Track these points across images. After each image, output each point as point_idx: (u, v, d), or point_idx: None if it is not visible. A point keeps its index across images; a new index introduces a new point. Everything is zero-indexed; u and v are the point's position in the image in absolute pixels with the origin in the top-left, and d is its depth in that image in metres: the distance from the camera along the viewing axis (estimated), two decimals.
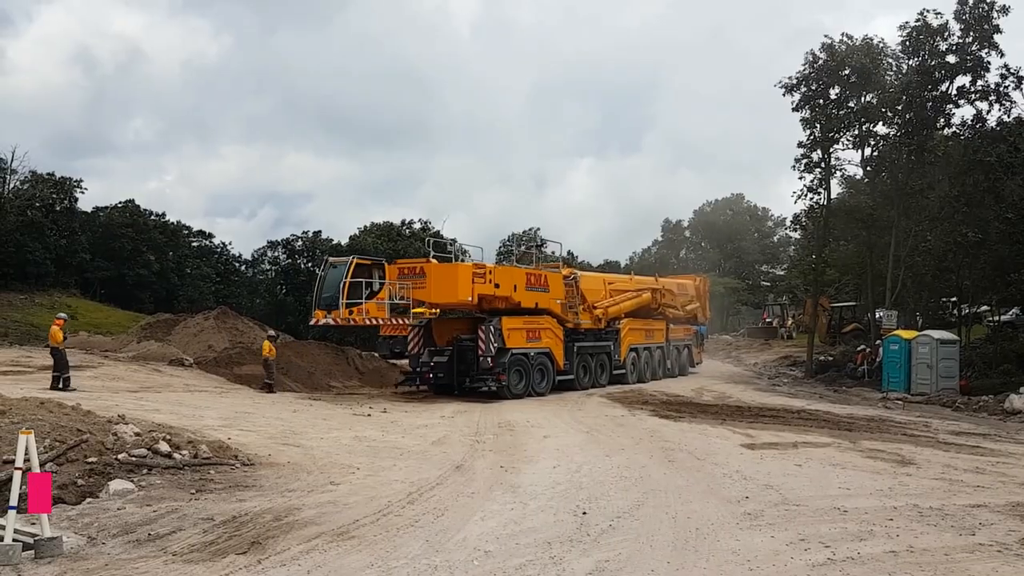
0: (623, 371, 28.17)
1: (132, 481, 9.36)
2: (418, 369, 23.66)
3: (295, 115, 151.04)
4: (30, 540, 6.92)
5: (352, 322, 21.92)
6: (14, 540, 6.77)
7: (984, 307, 37.28)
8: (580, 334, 25.90)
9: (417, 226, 47.77)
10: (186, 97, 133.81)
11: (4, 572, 6.45)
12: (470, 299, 21.78)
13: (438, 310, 22.48)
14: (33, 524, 7.31)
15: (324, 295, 21.84)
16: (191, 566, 6.71)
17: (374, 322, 22.26)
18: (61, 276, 46.98)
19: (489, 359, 21.82)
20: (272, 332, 23.74)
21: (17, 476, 7.05)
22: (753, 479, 11.13)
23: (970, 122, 30.06)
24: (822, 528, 8.43)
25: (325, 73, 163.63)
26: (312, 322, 22.99)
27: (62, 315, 21.31)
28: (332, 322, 21.96)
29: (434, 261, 23.12)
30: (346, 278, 21.19)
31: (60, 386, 18.44)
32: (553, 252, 34.31)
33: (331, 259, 23.36)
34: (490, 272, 22.49)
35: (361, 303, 21.23)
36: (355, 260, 21.93)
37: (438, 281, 22.19)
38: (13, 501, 6.82)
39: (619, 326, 28.18)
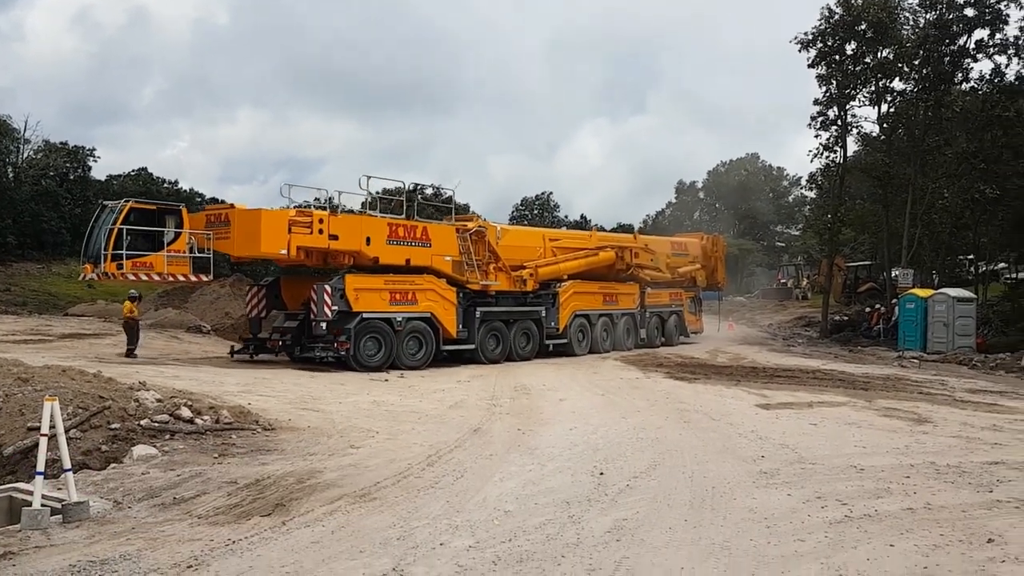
0: (564, 340, 24.79)
1: (155, 446, 9.49)
2: (258, 335, 20.98)
3: (307, 79, 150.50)
4: (58, 505, 7.05)
5: (113, 277, 18.82)
6: (42, 505, 6.90)
7: (1001, 264, 37.12)
8: (489, 297, 22.63)
9: (429, 191, 47.67)
10: (197, 62, 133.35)
11: (34, 536, 6.58)
12: (284, 252, 18.71)
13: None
14: (60, 489, 7.46)
15: (94, 246, 18.51)
16: (217, 528, 6.82)
17: (166, 278, 19.45)
18: (77, 245, 47.18)
19: (324, 324, 18.83)
20: (134, 292, 21.05)
21: (43, 443, 7.16)
22: (769, 438, 11.17)
23: (988, 76, 29.73)
24: (839, 486, 8.47)
25: (335, 34, 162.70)
26: (81, 278, 19.87)
27: None
28: (96, 278, 19.00)
29: (241, 206, 19.79)
30: (113, 225, 17.99)
31: None
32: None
33: (106, 203, 19.83)
34: (320, 221, 19.05)
35: (144, 255, 18.40)
36: (129, 204, 18.72)
37: (242, 230, 18.94)
38: (40, 467, 6.93)
39: (557, 289, 24.61)
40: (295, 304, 20.63)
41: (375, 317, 19.65)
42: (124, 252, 18.07)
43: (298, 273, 21.41)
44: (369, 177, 20.44)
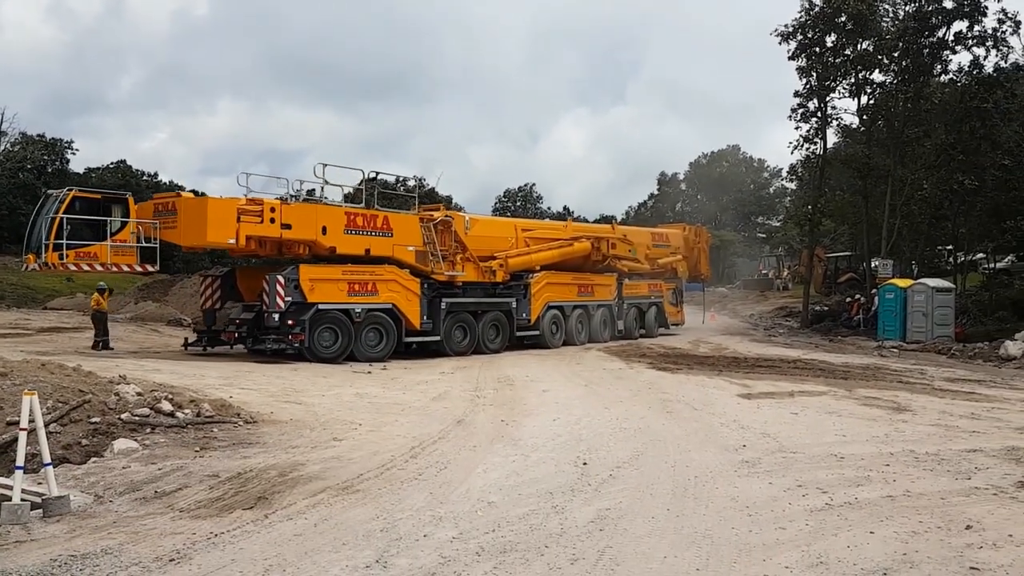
0: (536, 332, 24.22)
1: (136, 440, 9.41)
2: (212, 327, 20.64)
3: (287, 69, 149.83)
4: (38, 499, 6.98)
5: (55, 268, 18.61)
6: (22, 500, 6.83)
7: (979, 255, 37.46)
8: (456, 288, 22.16)
9: (412, 183, 47.56)
10: (175, 53, 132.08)
11: (14, 531, 6.52)
12: (233, 241, 18.30)
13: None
14: (40, 484, 7.38)
15: (37, 235, 18.21)
16: (199, 522, 6.79)
17: (110, 269, 18.94)
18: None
19: (276, 315, 18.40)
20: (103, 284, 20.83)
21: (23, 437, 7.09)
22: (750, 428, 11.24)
23: (967, 68, 29.96)
24: (819, 474, 8.53)
25: (315, 24, 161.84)
26: (24, 267, 19.62)
27: None
28: (38, 269, 18.67)
29: (188, 194, 19.63)
30: (55, 214, 17.70)
31: None
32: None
33: (50, 192, 19.44)
34: (272, 210, 18.59)
35: (88, 245, 18.10)
36: (72, 192, 18.40)
37: (188, 219, 18.55)
38: (20, 461, 6.86)
39: (529, 280, 24.04)
40: (252, 295, 20.19)
41: (333, 308, 19.22)
42: (65, 242, 17.78)
43: (258, 263, 21.02)
44: (325, 165, 20.32)
